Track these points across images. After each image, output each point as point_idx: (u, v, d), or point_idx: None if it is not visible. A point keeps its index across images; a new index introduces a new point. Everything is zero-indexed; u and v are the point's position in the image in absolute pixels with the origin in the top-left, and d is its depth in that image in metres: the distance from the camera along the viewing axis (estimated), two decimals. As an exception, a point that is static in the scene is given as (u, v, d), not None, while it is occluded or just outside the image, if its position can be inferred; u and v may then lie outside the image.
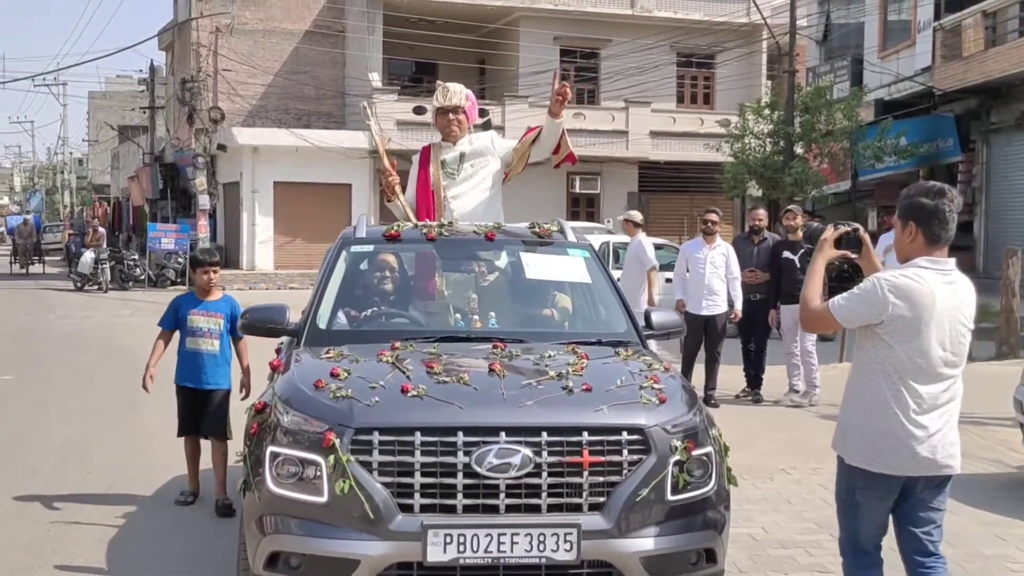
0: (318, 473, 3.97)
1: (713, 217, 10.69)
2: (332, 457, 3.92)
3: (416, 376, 4.25)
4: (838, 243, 4.09)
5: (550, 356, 4.55)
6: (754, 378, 10.73)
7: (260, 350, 6.35)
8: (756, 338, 10.73)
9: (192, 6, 32.14)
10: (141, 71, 46.37)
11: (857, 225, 4.15)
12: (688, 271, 10.60)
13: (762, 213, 11.01)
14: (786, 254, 10.42)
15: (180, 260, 27.97)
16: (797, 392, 10.48)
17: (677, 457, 4.03)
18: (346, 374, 4.29)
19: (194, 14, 31.90)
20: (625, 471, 3.98)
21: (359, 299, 5.46)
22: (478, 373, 4.31)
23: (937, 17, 22.26)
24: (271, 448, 4.13)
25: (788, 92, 23.44)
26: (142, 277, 27.89)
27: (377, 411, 4.03)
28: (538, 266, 5.41)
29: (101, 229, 29.88)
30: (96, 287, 26.75)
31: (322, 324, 5.12)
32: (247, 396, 6.26)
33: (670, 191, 31.66)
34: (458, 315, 5.35)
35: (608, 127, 29.99)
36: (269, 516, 4.08)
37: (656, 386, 4.27)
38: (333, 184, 30.13)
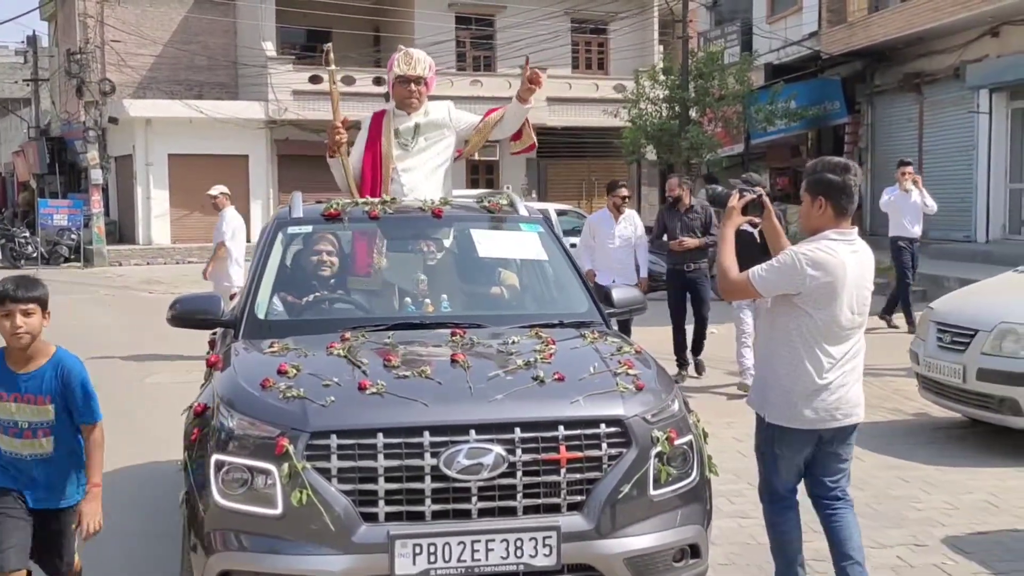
0: (271, 482, 3.51)
1: (625, 192, 10.10)
2: (286, 465, 3.47)
3: (373, 371, 3.81)
4: (744, 210, 4.25)
5: (514, 342, 4.15)
6: (695, 349, 10.03)
7: (194, 342, 5.73)
8: (697, 311, 9.98)
9: (76, -26, 30.46)
10: (23, 43, 43.74)
11: (759, 190, 4.31)
12: (596, 244, 10.00)
13: (675, 181, 10.36)
14: (745, 225, 9.72)
15: (73, 236, 26.81)
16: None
17: (659, 448, 3.68)
18: (295, 371, 3.82)
19: (78, -17, 30.24)
20: (605, 466, 3.61)
21: (299, 285, 4.93)
22: (440, 365, 3.89)
23: (823, -18, 22.40)
24: (216, 456, 3.64)
25: (683, 58, 23.34)
26: (34, 255, 26.54)
27: (333, 412, 3.58)
28: (491, 243, 4.97)
29: (-12, 207, 28.30)
30: (-14, 266, 25.39)
31: (261, 314, 4.60)
32: (80, 545, 4.06)
33: (568, 157, 31.41)
34: (407, 299, 4.87)
35: (505, 94, 29.39)
36: (216, 532, 3.60)
37: (631, 372, 3.91)
38: (230, 156, 29.16)
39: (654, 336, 10.54)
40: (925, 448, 7.20)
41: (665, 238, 10.12)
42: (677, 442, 3.76)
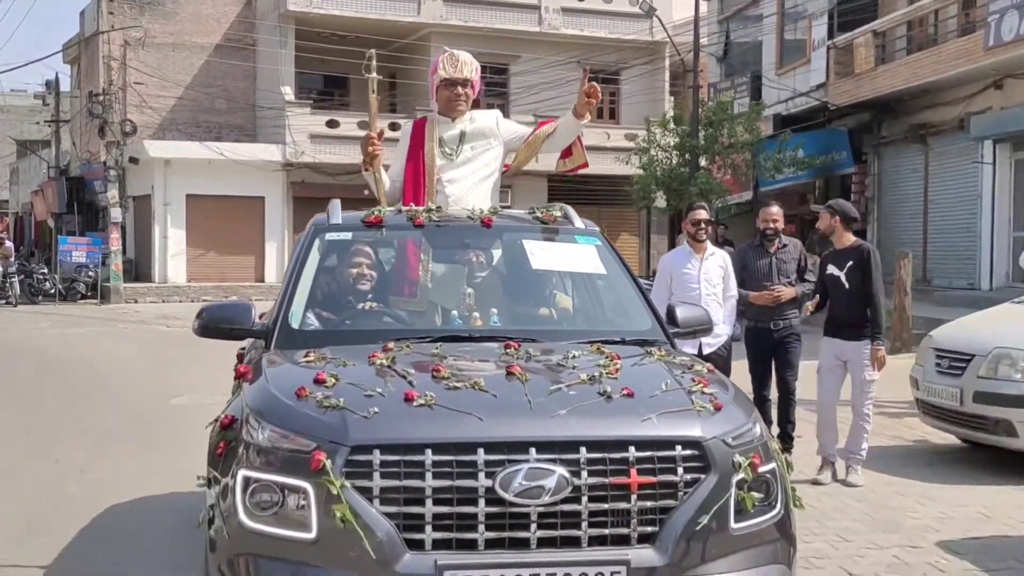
0: (304, 502, 3.04)
1: (703, 214, 7.30)
2: (322, 482, 2.98)
3: (420, 382, 3.32)
4: None
5: (574, 356, 3.64)
6: (782, 435, 7.36)
7: (221, 353, 5.33)
8: (782, 381, 7.48)
9: (102, 20, 30.33)
10: (45, 85, 43.55)
11: None
12: (673, 293, 7.13)
13: (776, 211, 7.59)
14: (831, 269, 7.07)
15: (91, 274, 26.50)
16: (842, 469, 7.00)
17: (740, 476, 3.17)
18: (334, 380, 3.32)
19: (103, 27, 30.09)
20: (681, 494, 3.11)
21: (337, 295, 4.40)
22: (494, 377, 3.39)
23: (831, 36, 22.19)
24: (243, 472, 3.16)
25: (692, 107, 23.11)
26: (52, 291, 26.20)
27: (377, 424, 3.10)
28: (545, 255, 4.43)
29: (8, 243, 27.95)
30: (4, 301, 25.02)
31: (295, 323, 4.08)
32: None
33: (579, 203, 30.84)
34: (454, 312, 4.34)
35: (517, 140, 29.28)
36: (242, 557, 3.12)
37: (707, 390, 3.41)
38: (246, 197, 28.83)
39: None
40: (922, 469, 7.34)
41: (742, 284, 7.50)
42: (760, 469, 3.25)
